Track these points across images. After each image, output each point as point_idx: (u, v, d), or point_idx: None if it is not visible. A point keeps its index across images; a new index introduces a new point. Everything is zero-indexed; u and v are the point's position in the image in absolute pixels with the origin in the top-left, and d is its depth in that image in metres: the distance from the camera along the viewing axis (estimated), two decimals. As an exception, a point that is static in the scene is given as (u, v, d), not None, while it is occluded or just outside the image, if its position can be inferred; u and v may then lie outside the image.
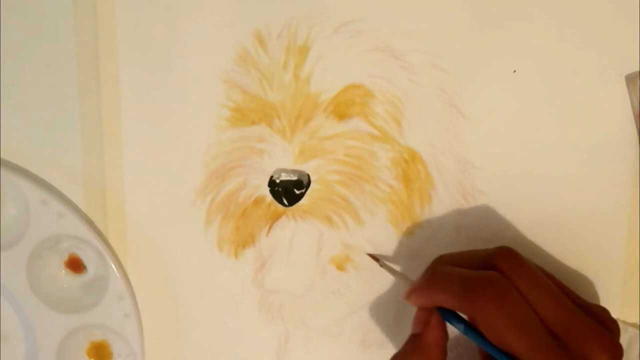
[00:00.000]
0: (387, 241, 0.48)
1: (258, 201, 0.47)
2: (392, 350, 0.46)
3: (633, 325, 0.47)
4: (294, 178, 0.47)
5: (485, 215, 0.47)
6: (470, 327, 0.40)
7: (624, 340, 0.45)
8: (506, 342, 0.38)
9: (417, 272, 0.47)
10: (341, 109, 0.46)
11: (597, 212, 0.47)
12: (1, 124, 0.48)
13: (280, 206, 0.47)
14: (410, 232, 0.48)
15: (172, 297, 0.50)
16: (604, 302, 0.47)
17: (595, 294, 0.48)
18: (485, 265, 0.41)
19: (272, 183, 0.47)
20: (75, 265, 0.50)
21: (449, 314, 0.41)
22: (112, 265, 0.48)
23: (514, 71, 0.45)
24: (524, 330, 0.38)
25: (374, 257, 0.47)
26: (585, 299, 0.42)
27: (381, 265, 0.47)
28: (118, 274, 0.48)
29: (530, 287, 0.39)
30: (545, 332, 0.38)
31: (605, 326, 0.40)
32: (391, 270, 0.46)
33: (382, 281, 0.48)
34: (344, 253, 0.48)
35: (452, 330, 0.42)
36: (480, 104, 0.46)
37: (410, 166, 0.47)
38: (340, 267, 0.48)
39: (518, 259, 0.40)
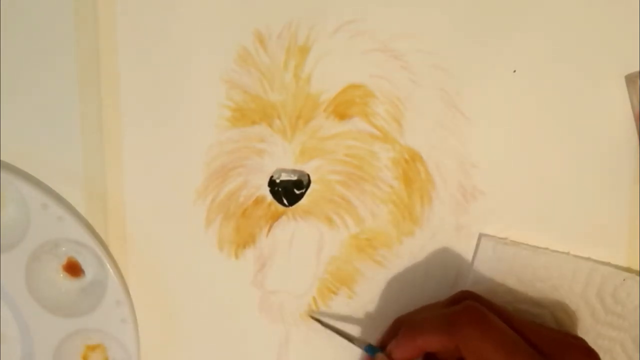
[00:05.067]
0: (388, 241, 0.48)
1: (258, 201, 0.47)
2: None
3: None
4: (294, 178, 0.47)
5: (485, 215, 0.47)
6: None
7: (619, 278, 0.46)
8: None
9: (418, 273, 0.48)
10: (341, 109, 0.46)
11: (597, 212, 0.47)
12: (1, 127, 0.48)
13: (280, 206, 0.47)
14: (410, 232, 0.47)
15: (172, 298, 0.49)
16: (605, 303, 0.47)
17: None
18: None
19: (272, 183, 0.47)
20: (74, 269, 0.49)
21: None
22: (111, 270, 0.48)
23: (514, 71, 0.46)
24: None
25: (317, 319, 0.47)
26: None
27: (325, 327, 0.47)
28: (116, 279, 0.48)
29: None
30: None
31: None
32: (335, 330, 0.47)
33: (383, 283, 0.48)
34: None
35: None
36: (480, 103, 0.46)
37: (410, 166, 0.47)
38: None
39: (483, 315, 0.41)
